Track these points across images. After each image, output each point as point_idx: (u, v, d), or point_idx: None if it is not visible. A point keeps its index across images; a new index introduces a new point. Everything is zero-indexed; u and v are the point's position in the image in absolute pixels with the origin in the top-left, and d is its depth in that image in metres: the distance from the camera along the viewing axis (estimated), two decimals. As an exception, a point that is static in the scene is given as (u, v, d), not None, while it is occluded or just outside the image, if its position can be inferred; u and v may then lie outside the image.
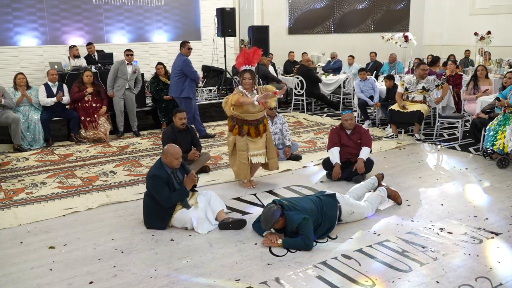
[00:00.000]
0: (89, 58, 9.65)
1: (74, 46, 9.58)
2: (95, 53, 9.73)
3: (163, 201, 4.17)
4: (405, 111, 7.27)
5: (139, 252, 3.89)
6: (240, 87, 5.17)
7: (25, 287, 3.41)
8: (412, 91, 7.44)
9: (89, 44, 9.91)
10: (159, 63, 8.63)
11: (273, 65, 11.28)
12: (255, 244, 3.98)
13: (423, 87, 7.39)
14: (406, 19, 15.61)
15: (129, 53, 8.02)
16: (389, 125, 7.93)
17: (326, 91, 10.49)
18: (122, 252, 3.89)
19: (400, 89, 7.57)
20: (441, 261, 3.66)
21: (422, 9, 15.97)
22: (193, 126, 7.02)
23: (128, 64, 7.97)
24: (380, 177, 5.05)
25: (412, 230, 4.23)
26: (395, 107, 7.47)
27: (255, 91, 5.13)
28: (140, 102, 8.65)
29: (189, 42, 7.63)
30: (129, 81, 7.98)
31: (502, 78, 9.57)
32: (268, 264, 3.66)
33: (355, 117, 8.29)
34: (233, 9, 10.05)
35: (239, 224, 4.29)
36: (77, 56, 9.48)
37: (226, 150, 6.97)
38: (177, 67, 7.52)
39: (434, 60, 10.65)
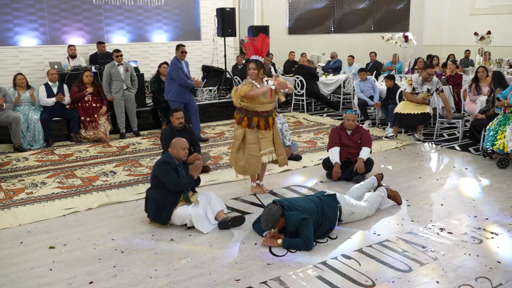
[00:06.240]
0: (94, 58, 9.60)
1: (70, 46, 9.56)
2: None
3: (172, 184, 4.22)
4: (413, 112, 7.09)
5: (139, 252, 3.89)
6: (249, 77, 4.92)
7: (25, 287, 3.41)
8: (418, 92, 7.28)
9: (100, 43, 9.86)
10: (165, 63, 8.45)
11: (273, 65, 11.28)
12: (255, 244, 3.99)
13: (428, 89, 7.26)
14: (406, 19, 15.62)
15: (118, 54, 7.84)
16: (389, 125, 7.92)
17: (326, 91, 10.47)
18: (122, 252, 3.89)
19: (408, 89, 7.36)
20: (441, 261, 3.66)
21: (422, 9, 15.98)
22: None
23: (119, 65, 7.85)
24: (380, 177, 5.05)
25: (412, 230, 4.23)
26: (400, 110, 7.25)
27: (265, 83, 4.92)
28: (140, 102, 8.64)
29: (183, 46, 7.39)
30: (125, 81, 7.92)
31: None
32: (268, 264, 3.66)
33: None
34: (233, 9, 10.06)
35: (238, 221, 4.31)
36: (74, 56, 9.46)
37: (227, 149, 6.99)
38: (168, 69, 7.47)
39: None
